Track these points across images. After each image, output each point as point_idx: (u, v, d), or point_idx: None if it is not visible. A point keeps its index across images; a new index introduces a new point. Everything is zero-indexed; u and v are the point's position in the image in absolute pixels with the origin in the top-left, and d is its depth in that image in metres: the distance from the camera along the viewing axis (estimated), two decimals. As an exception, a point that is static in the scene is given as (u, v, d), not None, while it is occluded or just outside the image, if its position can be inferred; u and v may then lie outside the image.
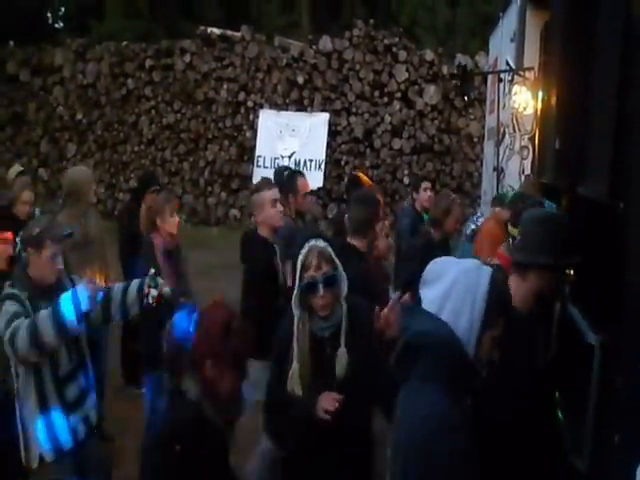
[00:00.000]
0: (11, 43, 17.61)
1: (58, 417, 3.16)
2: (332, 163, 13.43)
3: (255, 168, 13.59)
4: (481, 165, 10.60)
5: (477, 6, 19.38)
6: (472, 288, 1.82)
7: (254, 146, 13.82)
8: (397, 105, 13.24)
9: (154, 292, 3.30)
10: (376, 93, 13.34)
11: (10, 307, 3.08)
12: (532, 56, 6.28)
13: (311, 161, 13.06)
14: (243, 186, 14.11)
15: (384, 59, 13.29)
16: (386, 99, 13.30)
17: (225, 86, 14.28)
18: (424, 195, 6.33)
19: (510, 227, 3.92)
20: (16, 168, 5.93)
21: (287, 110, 13.76)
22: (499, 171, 6.85)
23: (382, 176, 13.23)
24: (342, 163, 13.50)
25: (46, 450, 3.16)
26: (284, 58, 13.92)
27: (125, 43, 15.66)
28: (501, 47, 7.60)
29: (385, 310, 2.65)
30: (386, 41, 13.29)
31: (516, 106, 6.11)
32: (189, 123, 14.67)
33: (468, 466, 1.72)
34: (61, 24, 27.09)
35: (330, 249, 2.71)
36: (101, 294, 3.17)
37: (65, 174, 5.57)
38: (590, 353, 2.41)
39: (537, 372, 2.63)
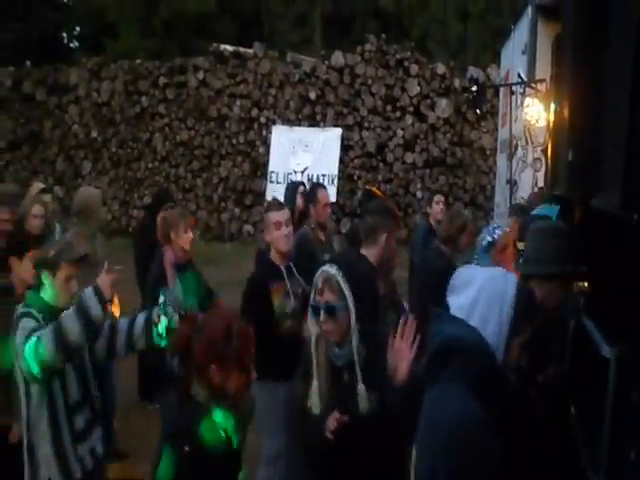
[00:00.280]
0: (27, 63, 17.88)
1: (68, 446, 3.08)
2: (345, 178, 13.44)
3: (268, 184, 13.64)
4: (494, 178, 10.57)
5: (488, 19, 19.43)
6: (499, 295, 1.84)
7: (267, 162, 13.88)
8: (409, 119, 13.26)
9: (164, 321, 3.17)
10: (388, 107, 13.37)
11: (28, 323, 3.01)
12: (544, 68, 6.27)
13: (324, 176, 13.08)
14: (256, 202, 14.16)
15: (396, 73, 13.33)
16: (398, 113, 13.33)
17: (238, 102, 14.38)
18: (437, 208, 6.32)
19: (517, 242, 3.89)
20: (37, 185, 5.97)
21: (300, 126, 13.82)
22: (512, 184, 6.83)
23: (395, 190, 13.22)
24: (355, 178, 13.51)
25: (56, 478, 3.06)
26: (296, 74, 14.00)
27: (139, 61, 15.85)
28: (513, 59, 7.60)
29: (396, 341, 2.57)
30: (398, 55, 13.33)
31: (528, 118, 6.10)
32: (202, 140, 14.77)
33: (495, 466, 1.69)
34: (76, 43, 27.49)
35: (341, 278, 2.65)
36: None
37: (76, 193, 5.60)
38: (605, 366, 2.38)
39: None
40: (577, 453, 2.70)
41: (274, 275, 4.06)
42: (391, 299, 3.84)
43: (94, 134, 15.79)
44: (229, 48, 14.83)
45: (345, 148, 13.45)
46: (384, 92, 13.35)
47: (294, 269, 4.15)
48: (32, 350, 2.90)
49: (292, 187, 6.17)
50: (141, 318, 3.24)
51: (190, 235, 4.60)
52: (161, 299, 3.25)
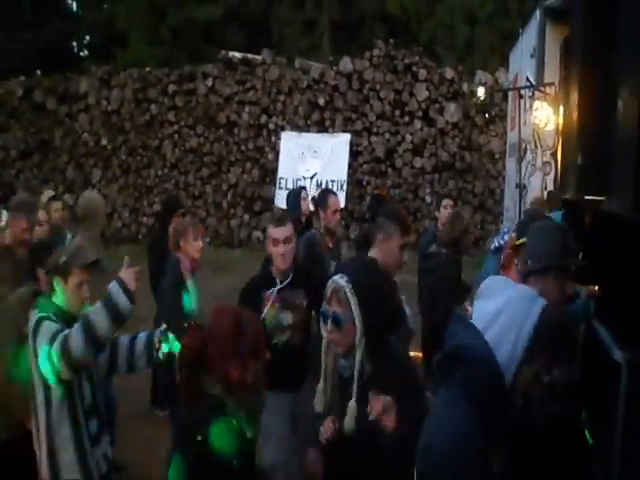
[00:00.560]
0: (38, 72, 18.03)
1: (88, 449, 3.09)
2: (354, 183, 13.45)
3: (277, 190, 13.66)
4: (503, 182, 10.55)
5: (496, 23, 19.41)
6: (520, 318, 1.81)
7: (276, 168, 13.91)
8: (418, 124, 13.25)
9: (165, 348, 3.16)
10: (397, 112, 13.38)
11: (50, 326, 3.00)
12: (552, 71, 6.26)
13: (333, 182, 13.08)
14: (266, 208, 14.19)
15: (404, 78, 13.33)
16: (407, 118, 13.33)
17: (247, 109, 14.43)
18: (445, 213, 6.29)
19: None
20: (48, 193, 6.00)
21: (308, 132, 13.84)
22: (521, 187, 6.80)
23: (404, 195, 13.21)
24: (364, 183, 13.51)
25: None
26: (305, 80, 14.04)
27: (148, 69, 15.92)
28: (521, 63, 7.59)
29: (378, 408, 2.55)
30: (406, 60, 13.34)
31: (537, 122, 6.08)
32: (212, 146, 14.82)
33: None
34: (86, 52, 27.69)
35: (349, 292, 2.64)
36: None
37: (82, 196, 5.63)
38: (617, 370, 2.36)
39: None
40: (588, 457, 2.69)
41: (268, 284, 4.01)
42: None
43: (104, 142, 15.88)
44: (237, 55, 14.89)
45: (354, 153, 13.46)
46: (392, 97, 13.36)
47: (294, 280, 4.05)
48: (60, 350, 2.89)
49: (294, 193, 6.18)
50: (143, 337, 3.24)
51: (200, 243, 4.62)
52: (163, 326, 3.24)
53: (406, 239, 3.62)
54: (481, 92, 7.82)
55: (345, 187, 13.15)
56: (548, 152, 6.13)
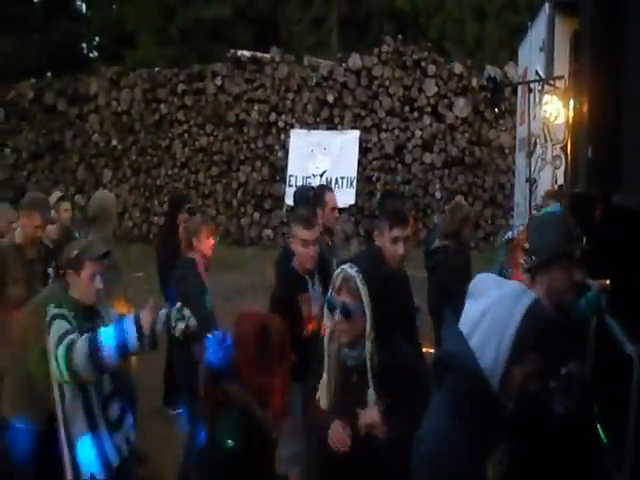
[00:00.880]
0: (48, 74, 18.12)
1: (105, 436, 3.17)
2: (363, 180, 13.43)
3: (287, 188, 13.67)
4: (513, 176, 10.49)
5: (505, 17, 19.30)
6: (503, 320, 1.74)
7: (286, 166, 13.92)
8: (427, 119, 13.21)
9: (181, 325, 3.25)
10: (406, 108, 13.34)
11: (61, 325, 3.09)
12: (562, 65, 6.22)
13: (342, 179, 13.08)
14: (276, 206, 14.21)
15: (413, 74, 13.29)
16: (416, 114, 13.29)
17: (256, 107, 14.44)
18: (456, 207, 6.26)
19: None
20: (56, 194, 6.05)
21: (318, 129, 13.83)
22: (532, 182, 6.76)
23: (414, 191, 13.18)
24: (374, 179, 13.49)
25: (97, 469, 3.14)
26: (314, 77, 14.03)
27: (157, 69, 15.97)
28: (530, 57, 7.55)
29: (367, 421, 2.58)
30: (415, 56, 13.30)
31: (547, 116, 6.05)
32: (221, 145, 14.85)
33: None
34: (96, 53, 27.81)
35: (359, 281, 2.63)
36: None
37: (93, 197, 5.65)
38: (629, 364, 2.35)
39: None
40: (601, 451, 2.68)
41: (300, 286, 3.98)
42: None
43: (114, 142, 15.95)
44: (246, 53, 14.90)
45: (363, 150, 13.44)
46: (402, 93, 13.32)
47: (316, 277, 4.09)
48: (64, 356, 2.96)
49: (302, 191, 6.16)
50: (162, 315, 3.32)
51: (211, 241, 4.64)
52: (178, 304, 3.32)
53: (399, 232, 3.57)
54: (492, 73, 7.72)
55: (355, 184, 13.14)
56: (558, 146, 6.09)
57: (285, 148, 14.03)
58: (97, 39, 27.79)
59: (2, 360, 3.91)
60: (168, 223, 6.07)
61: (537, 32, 7.11)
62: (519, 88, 8.76)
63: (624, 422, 2.40)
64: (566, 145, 5.73)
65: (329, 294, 2.69)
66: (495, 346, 1.72)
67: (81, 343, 2.97)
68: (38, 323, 3.24)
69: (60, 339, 3.02)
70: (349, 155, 13.27)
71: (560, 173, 6.08)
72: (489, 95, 8.02)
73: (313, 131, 13.77)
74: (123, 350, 2.99)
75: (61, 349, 2.98)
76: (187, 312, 3.31)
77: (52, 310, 3.17)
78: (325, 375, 2.69)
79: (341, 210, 7.51)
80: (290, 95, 14.20)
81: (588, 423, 2.84)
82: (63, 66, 20.44)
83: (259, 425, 2.27)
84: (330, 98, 13.80)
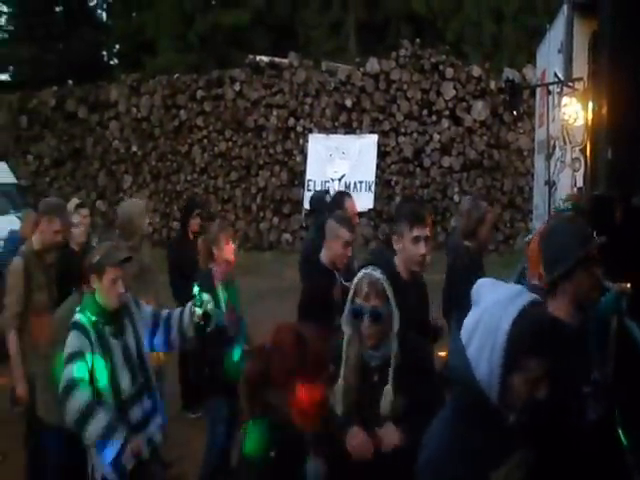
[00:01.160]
0: (70, 82, 18.36)
1: (119, 439, 3.18)
2: (382, 184, 13.42)
3: (306, 192, 13.70)
4: (532, 179, 10.41)
5: (523, 19, 19.20)
6: (493, 327, 1.63)
7: (304, 170, 13.95)
8: (445, 123, 13.18)
9: (199, 311, 3.35)
10: (424, 112, 13.32)
11: (73, 341, 3.17)
12: (581, 66, 6.17)
13: (361, 183, 13.09)
14: (294, 210, 14.24)
15: (431, 77, 13.27)
16: (434, 117, 13.26)
17: (275, 112, 14.50)
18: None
19: None
20: (74, 201, 6.11)
21: (336, 133, 13.86)
22: (551, 184, 6.71)
23: (432, 195, 13.15)
24: (392, 184, 13.48)
25: (109, 472, 3.19)
26: (332, 82, 14.06)
27: (177, 75, 16.12)
28: (549, 59, 7.50)
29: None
30: (433, 59, 13.28)
31: (566, 118, 6.00)
32: (240, 150, 14.93)
33: None
34: (116, 61, 28.12)
35: (385, 283, 2.64)
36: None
37: (120, 206, 5.69)
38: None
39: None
40: (623, 455, 2.65)
41: (332, 280, 4.03)
42: None
43: (134, 148, 16.11)
44: (265, 59, 14.98)
45: (382, 154, 13.44)
46: (420, 97, 13.31)
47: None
48: (62, 392, 3.09)
49: (318, 196, 6.19)
50: (187, 308, 3.44)
51: (232, 246, 4.63)
52: (195, 289, 3.37)
53: (419, 232, 3.54)
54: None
55: (373, 188, 13.14)
56: (577, 148, 6.04)
57: (304, 153, 14.07)
58: (117, 46, 28.13)
59: (33, 365, 4.00)
60: (181, 226, 6.29)
61: (555, 34, 7.06)
62: (537, 90, 8.71)
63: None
64: (585, 147, 5.68)
65: (352, 301, 2.69)
66: (487, 357, 1.63)
67: (78, 403, 3.06)
68: (64, 332, 3.30)
69: (67, 360, 3.13)
70: (367, 159, 13.28)
71: (579, 175, 6.03)
72: (507, 98, 7.98)
73: (331, 135, 13.80)
74: (99, 450, 3.08)
75: (63, 381, 3.10)
76: (206, 296, 3.40)
77: (75, 316, 3.27)
78: (340, 380, 2.67)
79: (360, 214, 7.53)
80: (308, 100, 14.25)
81: (610, 425, 2.81)
82: (84, 74, 20.74)
83: (296, 437, 2.28)
84: (348, 102, 13.81)
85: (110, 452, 3.05)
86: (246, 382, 2.34)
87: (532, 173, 10.46)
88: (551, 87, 6.86)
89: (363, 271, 2.70)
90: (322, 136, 13.87)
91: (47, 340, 3.69)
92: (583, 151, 5.85)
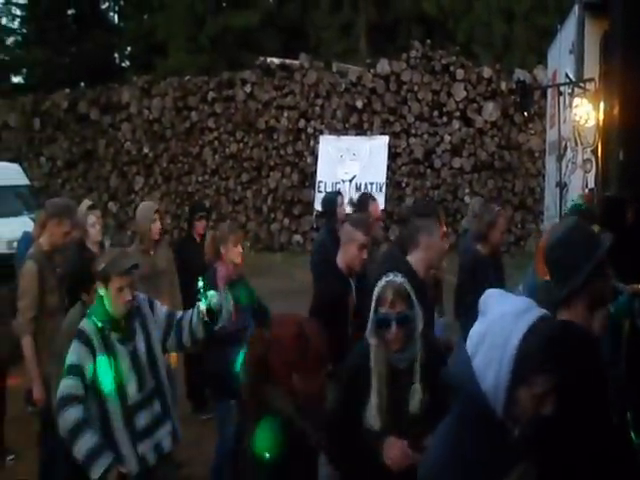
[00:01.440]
0: (82, 84, 18.48)
1: (124, 446, 3.15)
2: (393, 185, 13.42)
3: (317, 193, 13.70)
4: (543, 180, 10.39)
5: (534, 19, 19.13)
6: (502, 340, 1.61)
7: (315, 172, 13.96)
8: (456, 124, 13.16)
9: (202, 307, 3.30)
10: (435, 113, 13.31)
11: (73, 353, 3.15)
12: (592, 67, 6.15)
13: (372, 184, 13.07)
14: (305, 212, 14.26)
15: (442, 78, 13.26)
16: (445, 118, 13.25)
17: (285, 114, 14.53)
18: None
19: None
20: (86, 202, 6.14)
21: (347, 135, 13.86)
22: (562, 186, 6.70)
23: (443, 196, 13.13)
24: (403, 185, 13.48)
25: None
26: (342, 83, 14.08)
27: (188, 77, 16.19)
28: (560, 59, 7.49)
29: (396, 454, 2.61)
30: (443, 60, 13.27)
31: (577, 119, 5.99)
32: (251, 152, 14.97)
33: None
34: (127, 63, 28.26)
35: (408, 286, 2.66)
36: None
37: (137, 210, 5.72)
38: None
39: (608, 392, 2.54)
40: (634, 454, 2.65)
41: (346, 286, 3.97)
42: None
43: (146, 150, 16.19)
44: (275, 60, 15.02)
45: (392, 155, 13.43)
46: (430, 98, 13.30)
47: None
48: (58, 403, 3.08)
49: (329, 198, 6.19)
50: (196, 309, 3.40)
51: (240, 249, 4.64)
52: (200, 284, 3.34)
53: (443, 227, 3.60)
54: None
55: (384, 189, 13.12)
56: (588, 149, 6.02)
57: (314, 154, 14.08)
58: (129, 49, 28.28)
59: (48, 366, 4.02)
60: (187, 227, 6.37)
61: (567, 34, 7.05)
62: (548, 91, 8.69)
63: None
64: (597, 148, 5.67)
65: (375, 311, 2.69)
66: (495, 370, 1.60)
67: (71, 418, 3.04)
68: (69, 345, 3.31)
69: (66, 372, 3.11)
70: (378, 160, 13.26)
71: (591, 176, 6.01)
72: (518, 99, 7.97)
73: (342, 137, 13.80)
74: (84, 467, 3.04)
75: (59, 391, 3.08)
76: (211, 292, 3.35)
77: (82, 322, 3.26)
78: (374, 397, 2.66)
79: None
80: (319, 101, 14.27)
81: (621, 425, 2.81)
82: (96, 76, 20.86)
83: (299, 435, 2.27)
84: (359, 104, 13.83)
85: (95, 473, 2.99)
86: (246, 372, 2.33)
87: (543, 174, 10.44)
88: (562, 88, 6.85)
89: (384, 279, 2.70)
90: (333, 137, 13.87)
91: (58, 344, 3.70)
92: (594, 152, 5.83)
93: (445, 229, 3.65)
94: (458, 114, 13.17)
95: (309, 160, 14.28)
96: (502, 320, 1.63)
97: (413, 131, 13.45)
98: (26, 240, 6.42)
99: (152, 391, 3.31)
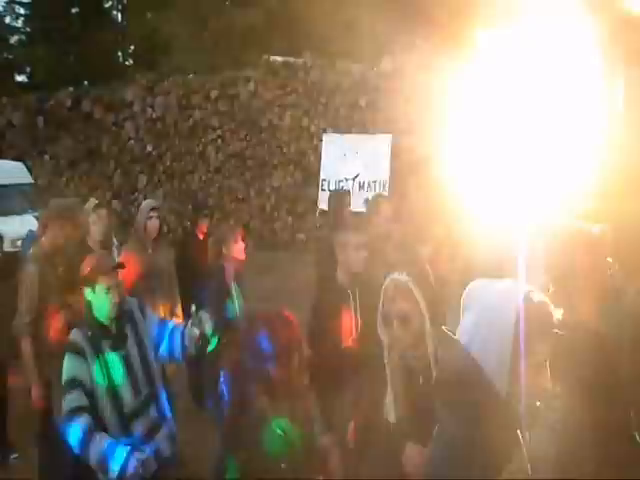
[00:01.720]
0: (85, 83, 18.49)
1: (122, 453, 3.07)
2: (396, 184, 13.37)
3: (320, 192, 13.69)
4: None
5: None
6: (498, 319, 1.65)
7: (319, 170, 13.94)
8: (460, 122, 13.11)
9: (195, 331, 3.26)
10: (439, 111, 13.26)
11: (68, 367, 3.11)
12: None
13: (375, 182, 13.06)
14: (309, 210, 14.24)
15: (445, 77, 13.21)
16: (449, 117, 13.20)
17: (289, 112, 14.51)
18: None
19: None
20: (92, 201, 6.13)
21: (350, 133, 13.83)
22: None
23: (448, 194, 13.08)
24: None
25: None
26: (346, 81, 14.04)
27: (191, 76, 16.17)
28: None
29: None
30: (447, 59, 13.22)
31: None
32: (255, 150, 14.95)
33: None
34: (131, 61, 28.27)
35: (412, 285, 2.65)
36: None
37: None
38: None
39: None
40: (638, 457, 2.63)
41: (342, 299, 3.87)
42: None
43: (149, 148, 16.18)
44: (279, 59, 14.99)
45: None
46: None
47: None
48: (66, 421, 3.02)
49: (337, 196, 6.17)
50: (190, 324, 3.37)
51: (241, 244, 4.65)
52: (193, 308, 3.32)
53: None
54: None
55: (387, 187, 13.09)
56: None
57: (318, 152, 14.06)
58: (132, 47, 28.29)
59: (49, 367, 4.00)
60: (190, 226, 6.34)
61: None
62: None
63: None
64: None
65: (381, 309, 2.69)
66: (496, 349, 1.65)
67: (76, 432, 2.98)
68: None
69: (66, 388, 3.05)
70: (381, 159, 13.24)
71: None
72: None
73: (345, 135, 13.77)
74: (102, 470, 2.98)
75: (65, 410, 3.03)
76: (205, 317, 3.30)
77: (71, 333, 3.19)
78: (390, 390, 2.68)
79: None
80: (323, 99, 14.23)
81: (624, 430, 2.79)
82: (99, 74, 20.86)
83: (284, 441, 2.28)
84: (362, 102, 13.78)
85: (113, 472, 2.95)
86: (225, 370, 2.35)
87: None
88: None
89: (390, 277, 2.70)
90: (336, 135, 13.85)
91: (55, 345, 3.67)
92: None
93: None
94: (462, 112, 13.12)
95: (312, 158, 14.25)
96: (495, 302, 1.67)
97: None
98: (31, 239, 6.42)
99: (147, 396, 3.27)
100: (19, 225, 9.56)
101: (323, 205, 12.93)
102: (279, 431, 2.27)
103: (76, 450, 3.03)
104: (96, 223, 5.12)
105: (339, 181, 13.38)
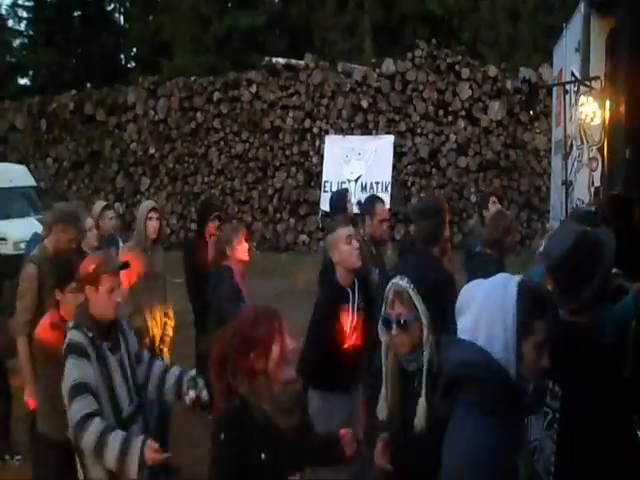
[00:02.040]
0: (88, 85, 18.54)
1: (137, 445, 2.96)
2: (398, 185, 13.41)
3: (322, 193, 13.71)
4: (549, 179, 10.35)
5: (539, 18, 19.08)
6: (500, 306, 1.73)
7: (321, 172, 13.97)
8: (462, 123, 13.14)
9: (192, 394, 3.11)
10: (440, 112, 13.29)
11: (72, 372, 2.97)
12: (598, 65, 6.13)
13: (377, 183, 13.07)
14: (311, 211, 14.27)
15: (447, 78, 13.24)
16: (450, 118, 13.23)
17: (291, 114, 14.54)
18: (494, 209, 6.18)
19: None
20: (100, 203, 6.14)
21: (352, 134, 13.86)
22: (568, 184, 6.68)
23: (449, 195, 13.10)
24: (408, 184, 13.46)
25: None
26: (348, 83, 14.07)
27: (193, 78, 16.21)
28: (566, 58, 7.46)
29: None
30: (448, 60, 13.25)
31: (583, 117, 5.97)
32: (257, 152, 14.98)
33: None
34: (133, 64, 28.33)
35: (412, 291, 2.65)
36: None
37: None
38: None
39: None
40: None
41: (341, 297, 3.90)
42: None
43: (152, 151, 16.22)
44: (281, 61, 15.03)
45: (398, 155, 13.42)
46: (436, 97, 13.28)
47: (361, 283, 4.02)
48: (74, 429, 2.89)
49: (339, 195, 6.17)
50: (175, 372, 3.25)
51: (246, 245, 4.65)
52: (193, 372, 3.22)
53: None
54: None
55: (389, 189, 13.11)
56: (594, 147, 6.00)
57: (320, 154, 14.09)
58: (134, 50, 28.35)
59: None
60: (197, 229, 6.18)
61: (572, 32, 7.03)
62: (554, 90, 8.67)
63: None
64: (602, 146, 5.65)
65: (382, 311, 2.71)
66: (502, 329, 1.71)
67: (92, 435, 2.86)
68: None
69: (70, 394, 2.92)
70: (384, 160, 13.25)
71: (597, 175, 5.98)
72: (524, 97, 7.95)
73: (348, 136, 13.80)
74: (120, 466, 2.84)
75: (73, 419, 2.88)
76: (201, 382, 3.13)
77: (70, 335, 3.07)
78: (383, 389, 2.70)
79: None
80: (324, 101, 14.27)
81: (628, 425, 2.79)
82: (102, 77, 20.95)
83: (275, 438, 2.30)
84: (364, 103, 13.82)
85: (132, 473, 2.84)
86: (211, 360, 2.37)
87: (549, 173, 10.40)
88: (568, 86, 6.82)
89: (392, 281, 2.71)
90: (338, 137, 13.88)
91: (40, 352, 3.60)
92: (600, 151, 5.81)
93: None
94: (463, 113, 13.14)
95: (315, 160, 14.28)
96: (493, 294, 1.75)
97: (418, 130, 13.43)
98: (35, 241, 6.43)
99: (137, 406, 3.19)
100: (22, 228, 9.57)
101: (325, 206, 12.96)
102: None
103: (90, 455, 2.93)
104: (91, 228, 5.12)
105: (341, 182, 13.39)
